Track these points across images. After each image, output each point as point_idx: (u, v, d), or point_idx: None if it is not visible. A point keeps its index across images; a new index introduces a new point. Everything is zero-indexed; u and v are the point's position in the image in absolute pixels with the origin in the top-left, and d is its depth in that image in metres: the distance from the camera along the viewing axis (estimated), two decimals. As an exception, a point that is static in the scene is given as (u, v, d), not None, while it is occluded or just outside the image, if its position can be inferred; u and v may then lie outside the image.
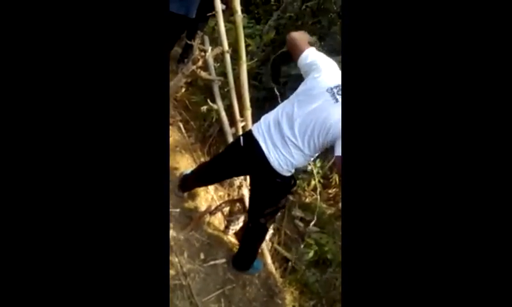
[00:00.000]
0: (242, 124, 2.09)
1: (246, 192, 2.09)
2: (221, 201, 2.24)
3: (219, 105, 2.18)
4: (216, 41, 2.30)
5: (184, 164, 2.34)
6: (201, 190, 2.24)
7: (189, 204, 2.16)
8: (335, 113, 1.42)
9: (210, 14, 2.18)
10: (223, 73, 2.22)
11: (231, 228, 2.15)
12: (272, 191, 1.68)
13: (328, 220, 2.49)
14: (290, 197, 2.39)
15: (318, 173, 2.51)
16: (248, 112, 2.07)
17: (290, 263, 2.23)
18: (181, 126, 2.55)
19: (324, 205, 2.62)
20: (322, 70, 1.53)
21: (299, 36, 1.67)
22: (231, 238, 2.15)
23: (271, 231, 2.20)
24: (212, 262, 1.96)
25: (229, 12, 2.16)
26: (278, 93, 2.22)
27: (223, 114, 2.17)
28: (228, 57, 2.08)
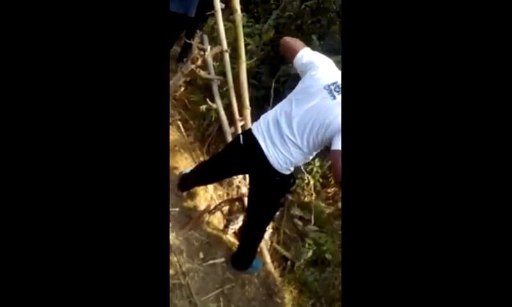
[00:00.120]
0: (242, 123, 2.09)
1: (245, 191, 2.09)
2: (220, 201, 2.24)
3: (219, 104, 2.18)
4: (215, 40, 2.30)
5: (183, 163, 2.34)
6: (200, 190, 2.24)
7: (188, 203, 2.16)
8: (333, 110, 1.42)
9: (209, 13, 2.17)
10: (222, 72, 2.21)
11: (230, 227, 2.15)
12: (272, 189, 1.68)
13: (327, 220, 2.49)
14: (289, 197, 2.39)
15: (317, 172, 2.52)
16: (247, 111, 2.07)
17: (289, 262, 2.23)
18: (180, 125, 2.55)
19: (323, 204, 2.63)
20: (319, 68, 1.54)
21: (292, 39, 1.71)
22: (230, 237, 2.15)
23: (270, 230, 2.21)
24: (211, 261, 1.96)
25: (228, 11, 2.16)
26: (273, 93, 2.22)
27: (222, 113, 2.17)
28: (227, 56, 2.08)
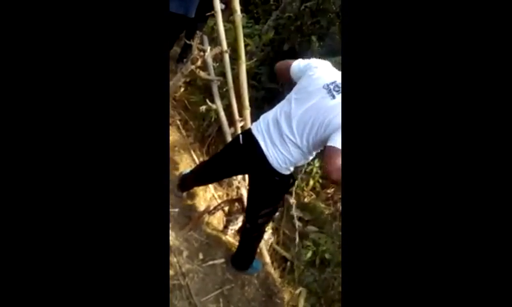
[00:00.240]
0: (241, 124, 2.09)
1: (244, 191, 2.09)
2: (220, 201, 2.24)
3: (218, 104, 2.18)
4: (215, 41, 2.30)
5: (182, 163, 2.34)
6: (200, 190, 2.24)
7: (188, 204, 2.16)
8: (332, 110, 1.42)
9: (209, 14, 2.18)
10: (222, 73, 2.21)
11: (230, 227, 2.15)
12: (271, 189, 1.68)
13: (327, 220, 2.49)
14: (290, 199, 2.39)
15: (317, 172, 2.52)
16: (247, 112, 2.07)
17: (288, 263, 2.23)
18: (180, 126, 2.55)
19: (323, 205, 2.63)
20: (317, 68, 1.55)
21: (283, 60, 1.78)
22: (230, 238, 2.15)
23: (269, 230, 2.21)
24: (210, 262, 1.96)
25: (228, 12, 2.16)
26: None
27: (222, 113, 2.17)
28: (227, 56, 2.08)
